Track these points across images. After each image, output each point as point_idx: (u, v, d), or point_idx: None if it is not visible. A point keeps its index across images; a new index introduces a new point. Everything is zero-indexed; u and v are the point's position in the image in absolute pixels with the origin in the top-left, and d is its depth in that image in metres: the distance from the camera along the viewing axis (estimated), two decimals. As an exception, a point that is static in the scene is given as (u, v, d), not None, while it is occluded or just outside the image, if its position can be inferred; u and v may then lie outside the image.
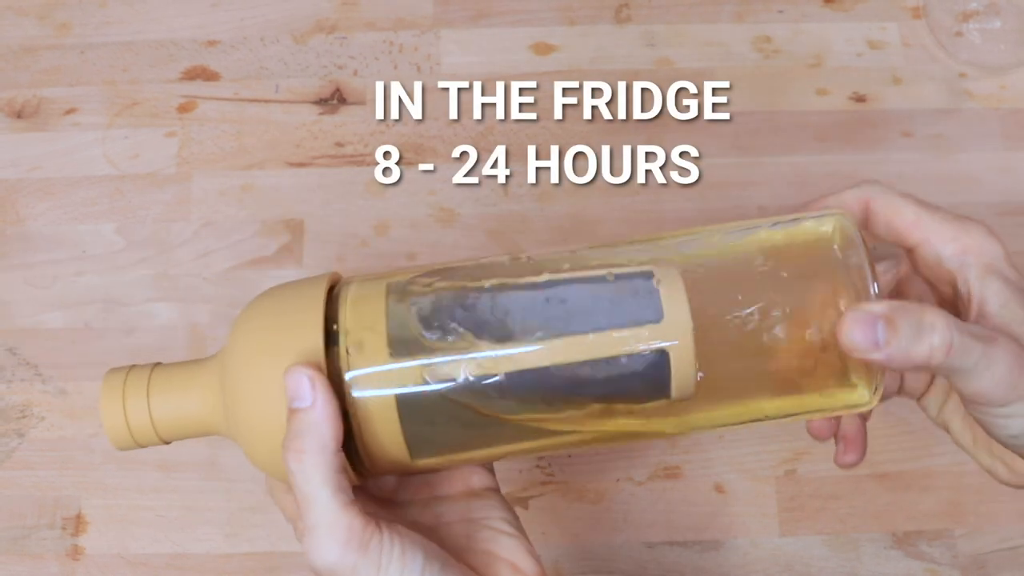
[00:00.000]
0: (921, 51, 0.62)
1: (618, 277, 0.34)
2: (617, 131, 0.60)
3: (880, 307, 0.31)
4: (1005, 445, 0.35)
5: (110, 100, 0.60)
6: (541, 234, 0.58)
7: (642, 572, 0.52)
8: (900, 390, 0.40)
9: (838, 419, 0.39)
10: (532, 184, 0.59)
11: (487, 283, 0.34)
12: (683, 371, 0.33)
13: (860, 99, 0.61)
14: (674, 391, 0.34)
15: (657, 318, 0.33)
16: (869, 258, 0.33)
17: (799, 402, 0.36)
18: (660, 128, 0.60)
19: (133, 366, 0.36)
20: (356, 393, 0.33)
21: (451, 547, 0.35)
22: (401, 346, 0.33)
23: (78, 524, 0.53)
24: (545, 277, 0.34)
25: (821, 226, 0.35)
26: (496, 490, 0.38)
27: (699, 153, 0.59)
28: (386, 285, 0.35)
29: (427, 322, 0.33)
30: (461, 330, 0.33)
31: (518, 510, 0.52)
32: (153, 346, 0.55)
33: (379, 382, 0.33)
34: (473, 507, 0.37)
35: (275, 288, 0.36)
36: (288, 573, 0.52)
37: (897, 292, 0.38)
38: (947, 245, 0.35)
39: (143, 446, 0.36)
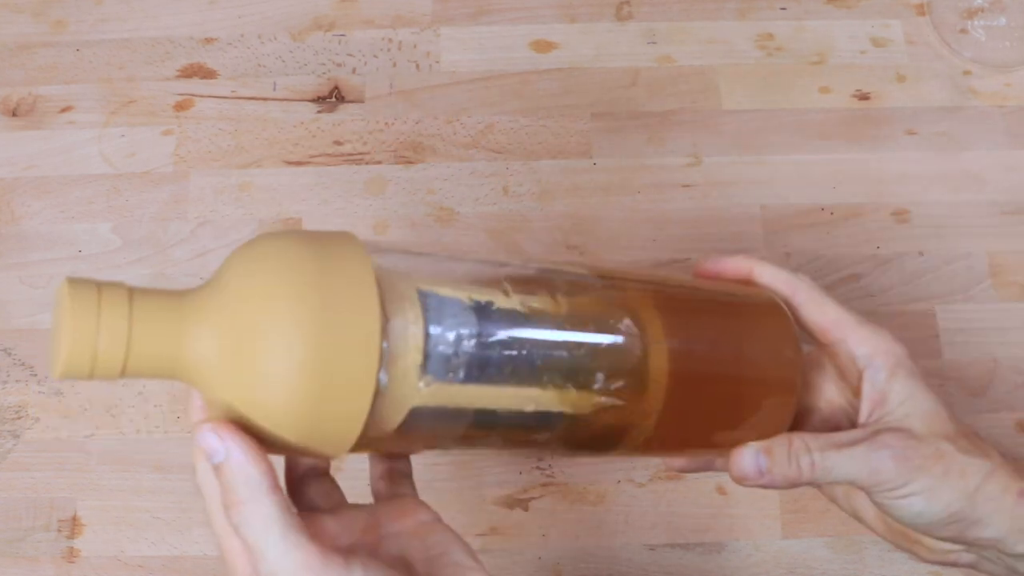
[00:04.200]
0: (925, 48, 0.61)
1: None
2: (618, 129, 0.59)
3: (759, 444, 0.39)
4: (912, 526, 0.40)
5: (106, 98, 0.60)
6: (541, 234, 0.57)
7: (643, 574, 0.52)
8: None
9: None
10: (532, 183, 0.58)
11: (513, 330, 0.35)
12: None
13: (864, 97, 0.60)
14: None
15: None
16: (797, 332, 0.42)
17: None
18: (661, 126, 0.60)
19: (101, 282, 0.30)
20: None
21: None
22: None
23: (74, 526, 0.52)
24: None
25: (764, 302, 0.43)
26: (441, 520, 0.37)
27: (700, 151, 0.59)
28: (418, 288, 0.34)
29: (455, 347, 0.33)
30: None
31: (518, 512, 0.52)
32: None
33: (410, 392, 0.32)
34: (428, 542, 0.35)
35: (296, 239, 0.32)
36: (286, 576, 0.52)
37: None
38: (860, 346, 0.41)
39: (92, 378, 0.30)
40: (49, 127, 0.60)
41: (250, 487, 0.30)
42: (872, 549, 0.52)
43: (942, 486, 0.38)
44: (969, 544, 0.40)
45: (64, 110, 0.60)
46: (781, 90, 0.61)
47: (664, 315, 0.39)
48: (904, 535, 0.43)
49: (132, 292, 0.31)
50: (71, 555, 0.52)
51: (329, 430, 0.31)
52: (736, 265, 0.43)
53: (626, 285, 0.40)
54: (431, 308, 0.33)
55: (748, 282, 0.43)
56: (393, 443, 0.35)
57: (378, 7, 0.62)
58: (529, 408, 0.35)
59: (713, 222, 0.58)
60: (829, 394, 0.44)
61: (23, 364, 0.55)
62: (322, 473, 0.38)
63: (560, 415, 0.36)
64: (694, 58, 0.61)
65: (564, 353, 0.36)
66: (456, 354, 0.33)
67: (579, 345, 0.36)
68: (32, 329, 0.56)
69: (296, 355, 0.30)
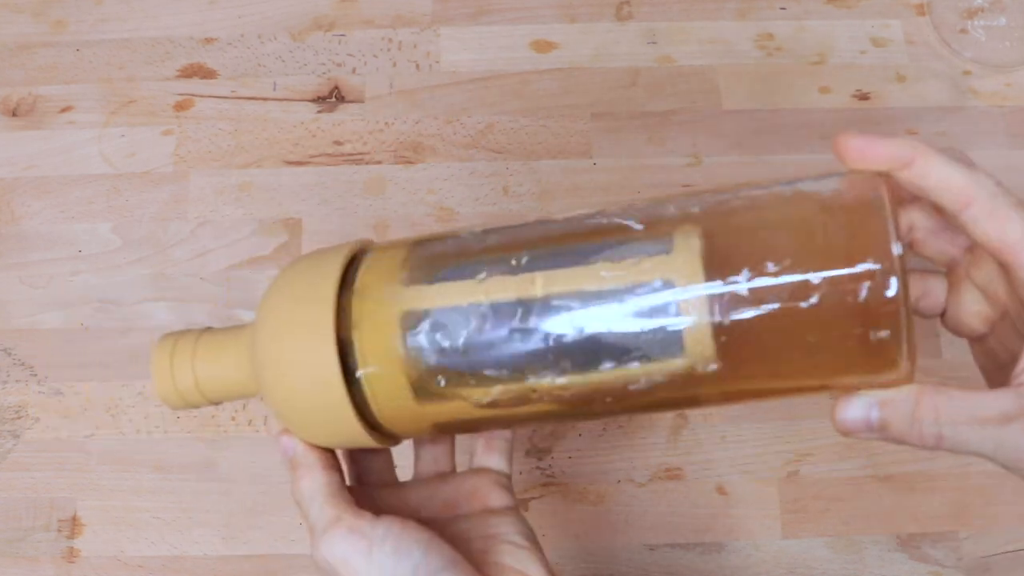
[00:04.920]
0: (925, 48, 0.61)
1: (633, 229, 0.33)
2: (618, 129, 0.59)
3: (876, 394, 0.32)
4: None
5: (106, 98, 0.60)
6: (541, 233, 0.57)
7: (643, 574, 0.52)
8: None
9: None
10: (532, 183, 0.58)
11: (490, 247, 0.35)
12: (698, 328, 0.31)
13: (864, 97, 0.60)
14: (688, 349, 0.32)
15: (667, 250, 0.32)
16: (895, 226, 0.31)
17: (829, 377, 0.33)
18: (661, 126, 0.60)
19: (187, 330, 0.38)
20: (365, 369, 0.34)
21: (468, 560, 0.36)
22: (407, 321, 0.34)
23: (74, 526, 0.52)
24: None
25: (853, 189, 0.33)
26: (514, 508, 0.39)
27: (700, 151, 0.59)
28: (399, 269, 0.35)
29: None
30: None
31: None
32: (150, 346, 0.55)
33: (388, 358, 0.34)
34: (491, 523, 0.38)
35: (305, 257, 0.37)
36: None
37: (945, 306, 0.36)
38: None
39: (194, 407, 0.38)
40: (49, 127, 0.60)
41: (307, 466, 0.36)
42: (872, 549, 0.52)
43: None
44: None
45: (64, 110, 0.60)
46: (781, 90, 0.61)
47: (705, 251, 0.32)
48: None
49: (200, 335, 0.38)
50: (71, 555, 0.52)
51: (347, 440, 0.36)
52: (893, 153, 0.33)
53: (649, 220, 0.34)
54: (420, 321, 0.34)
55: (889, 174, 0.33)
56: (442, 434, 0.37)
57: (378, 7, 0.62)
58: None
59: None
60: (1001, 298, 0.35)
61: (23, 364, 0.55)
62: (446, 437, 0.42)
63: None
64: (694, 58, 0.61)
65: (559, 338, 0.33)
66: (449, 368, 0.34)
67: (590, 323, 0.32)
68: (32, 329, 0.56)
69: (280, 380, 0.35)
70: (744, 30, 0.62)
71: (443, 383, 0.34)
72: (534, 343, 0.33)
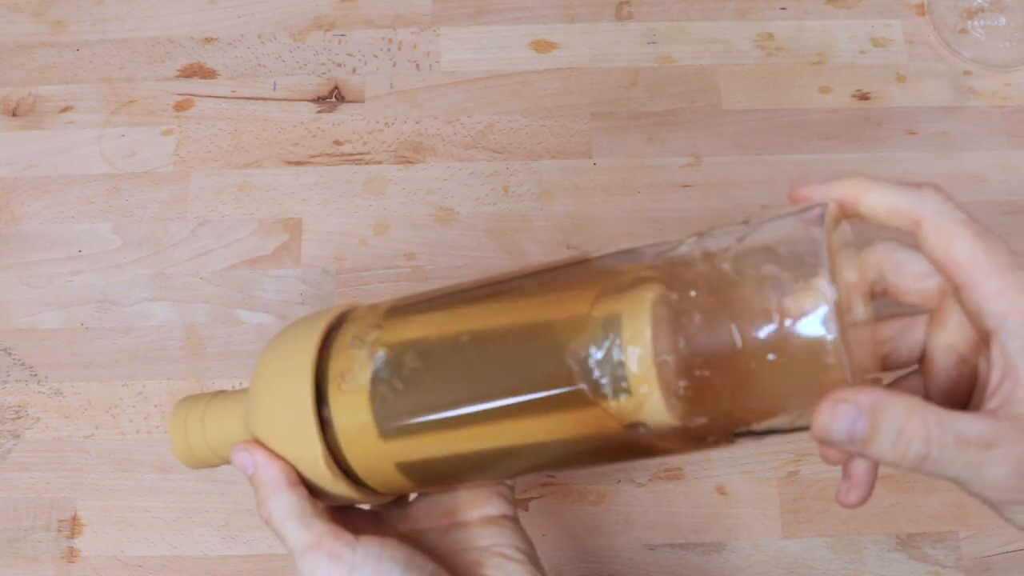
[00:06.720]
0: (925, 48, 0.61)
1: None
2: (618, 129, 0.59)
3: (865, 399, 0.28)
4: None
5: (106, 98, 0.60)
6: (541, 234, 0.57)
7: (643, 574, 0.52)
8: None
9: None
10: (532, 183, 0.58)
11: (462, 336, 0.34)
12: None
13: (864, 97, 0.60)
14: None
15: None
16: (832, 269, 0.29)
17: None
18: (661, 126, 0.60)
19: (201, 394, 0.40)
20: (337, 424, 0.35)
21: (460, 573, 0.36)
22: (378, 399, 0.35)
23: (74, 526, 0.52)
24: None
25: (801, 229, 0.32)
26: (512, 518, 0.39)
27: (700, 151, 0.59)
28: (372, 337, 0.36)
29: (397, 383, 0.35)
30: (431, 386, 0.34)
31: (518, 512, 0.52)
32: (150, 346, 0.55)
33: (358, 429, 0.35)
34: (487, 534, 0.38)
35: (295, 323, 0.39)
36: (286, 576, 0.52)
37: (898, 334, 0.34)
38: (991, 301, 0.30)
39: (209, 465, 0.39)
40: (49, 127, 0.60)
41: (272, 486, 0.35)
42: (872, 549, 0.52)
43: None
44: None
45: (64, 110, 0.60)
46: (781, 90, 0.61)
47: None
48: None
49: (212, 398, 0.39)
50: (71, 555, 0.52)
51: (331, 495, 0.36)
52: (838, 195, 0.33)
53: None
54: (380, 367, 0.35)
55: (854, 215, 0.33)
56: (423, 488, 0.38)
57: (378, 7, 0.62)
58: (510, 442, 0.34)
59: (713, 222, 0.57)
60: (954, 339, 0.33)
61: (23, 364, 0.55)
62: None
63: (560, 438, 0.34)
64: (694, 58, 0.61)
65: (529, 375, 0.33)
66: (401, 409, 0.34)
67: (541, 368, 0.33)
68: (32, 329, 0.56)
69: (265, 436, 0.36)
70: (744, 30, 0.62)
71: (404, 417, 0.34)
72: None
